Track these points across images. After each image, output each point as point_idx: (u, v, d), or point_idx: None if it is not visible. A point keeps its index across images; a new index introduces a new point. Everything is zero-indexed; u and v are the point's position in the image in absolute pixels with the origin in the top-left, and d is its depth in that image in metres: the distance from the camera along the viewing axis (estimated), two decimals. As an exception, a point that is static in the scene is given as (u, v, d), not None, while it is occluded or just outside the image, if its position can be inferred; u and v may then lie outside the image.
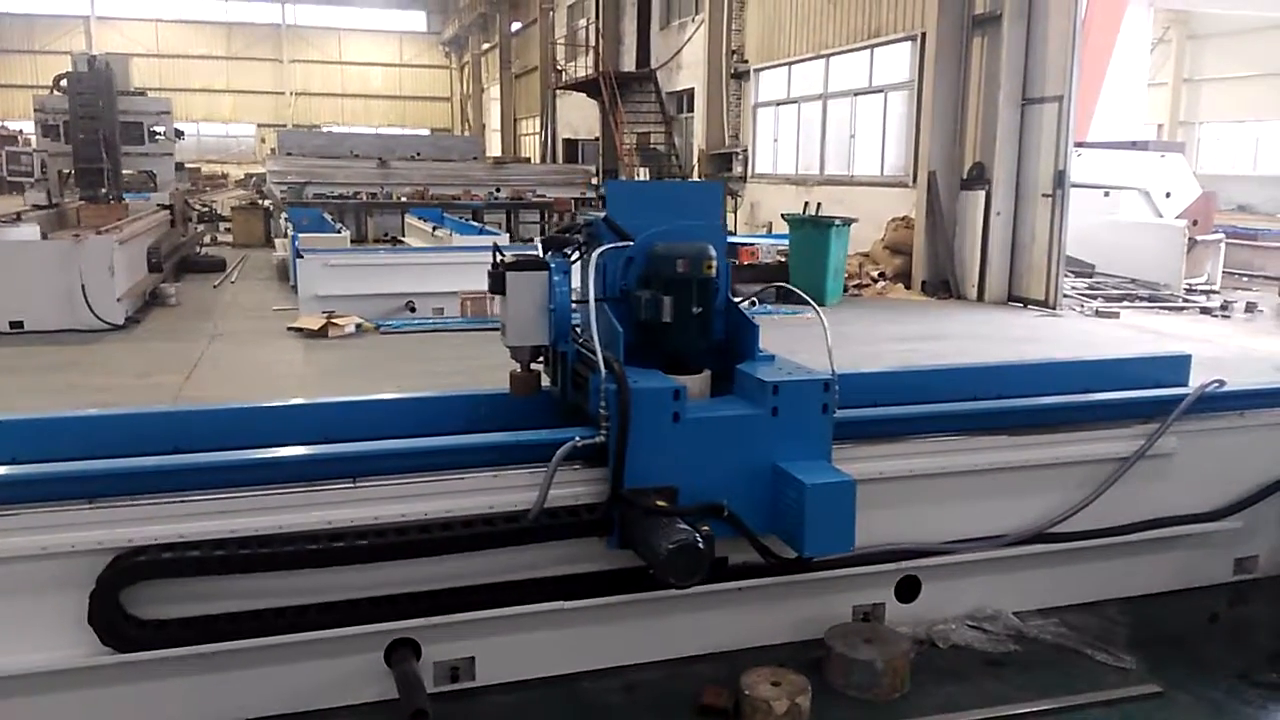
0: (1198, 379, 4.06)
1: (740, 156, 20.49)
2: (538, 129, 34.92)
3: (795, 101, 18.79)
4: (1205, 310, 12.08)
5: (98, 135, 14.83)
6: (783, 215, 13.41)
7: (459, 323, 10.12)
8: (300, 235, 12.28)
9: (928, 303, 12.58)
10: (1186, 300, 12.71)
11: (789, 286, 4.24)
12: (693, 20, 22.49)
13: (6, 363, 8.21)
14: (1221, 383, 3.91)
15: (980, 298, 12.56)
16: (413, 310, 10.41)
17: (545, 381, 3.63)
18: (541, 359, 3.57)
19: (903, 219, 13.88)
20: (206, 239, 18.63)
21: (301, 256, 10.57)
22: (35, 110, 16.04)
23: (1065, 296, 12.15)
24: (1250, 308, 12.06)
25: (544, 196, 19.99)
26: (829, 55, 17.32)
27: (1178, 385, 4.18)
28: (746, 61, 20.26)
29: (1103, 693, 3.21)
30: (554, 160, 30.80)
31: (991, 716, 3.10)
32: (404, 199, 18.92)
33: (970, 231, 12.66)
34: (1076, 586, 3.82)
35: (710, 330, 3.44)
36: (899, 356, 8.59)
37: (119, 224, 11.59)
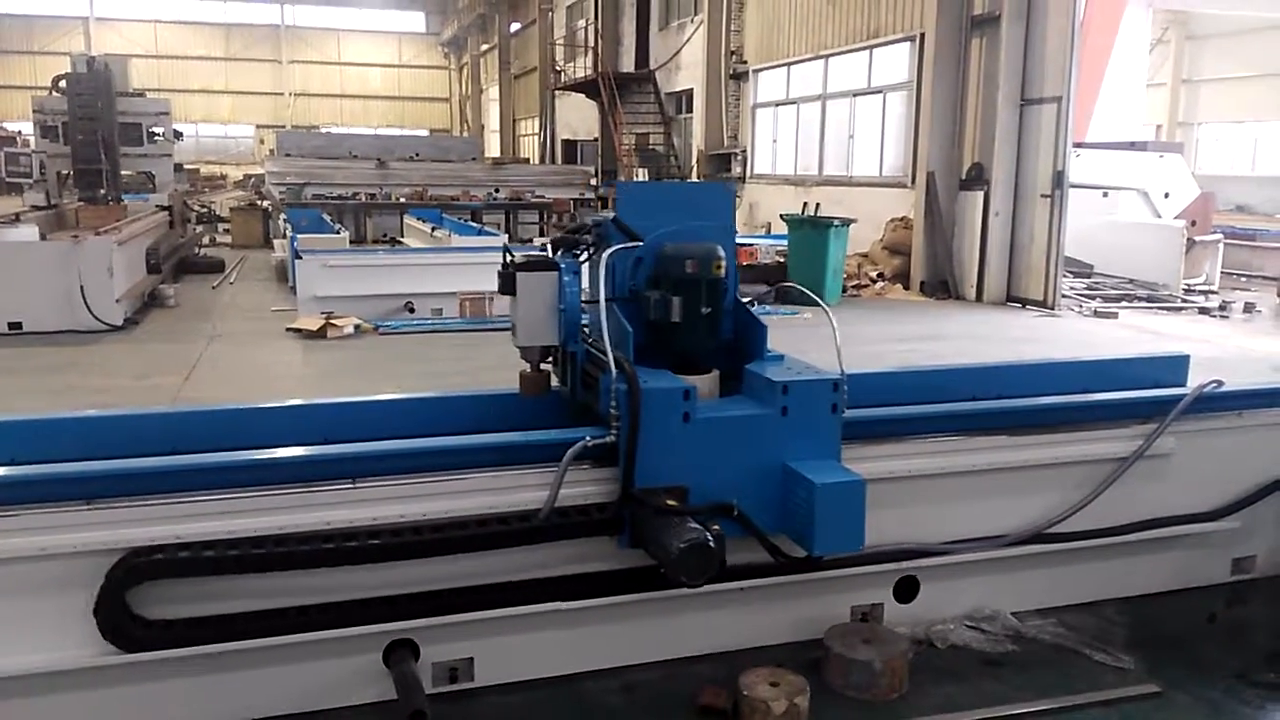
0: (1196, 379, 4.06)
1: (739, 157, 20.49)
2: (537, 130, 34.98)
3: (794, 102, 18.80)
4: (1204, 310, 12.07)
5: (96, 136, 14.84)
6: (781, 216, 13.40)
7: (458, 323, 10.11)
8: (299, 236, 12.24)
9: (926, 303, 12.58)
10: (1185, 300, 12.70)
11: (799, 287, 4.21)
12: (692, 21, 22.50)
13: (5, 364, 8.20)
14: (1220, 383, 3.91)
15: (979, 298, 12.56)
16: (411, 311, 10.41)
17: (554, 382, 3.63)
18: (550, 359, 3.59)
19: (901, 219, 13.89)
20: (205, 240, 18.60)
21: (300, 257, 10.55)
22: (34, 111, 16.06)
23: (1064, 297, 12.14)
24: (1249, 308, 12.05)
25: (543, 197, 19.96)
26: (828, 56, 17.34)
27: (1176, 385, 4.19)
28: (745, 62, 20.26)
29: (1101, 693, 3.21)
30: (553, 161, 30.85)
31: (990, 716, 3.10)
32: (403, 200, 18.87)
33: (969, 232, 12.66)
34: (1075, 587, 3.82)
35: (719, 330, 3.44)
36: (898, 357, 8.58)
37: (118, 225, 11.58)
